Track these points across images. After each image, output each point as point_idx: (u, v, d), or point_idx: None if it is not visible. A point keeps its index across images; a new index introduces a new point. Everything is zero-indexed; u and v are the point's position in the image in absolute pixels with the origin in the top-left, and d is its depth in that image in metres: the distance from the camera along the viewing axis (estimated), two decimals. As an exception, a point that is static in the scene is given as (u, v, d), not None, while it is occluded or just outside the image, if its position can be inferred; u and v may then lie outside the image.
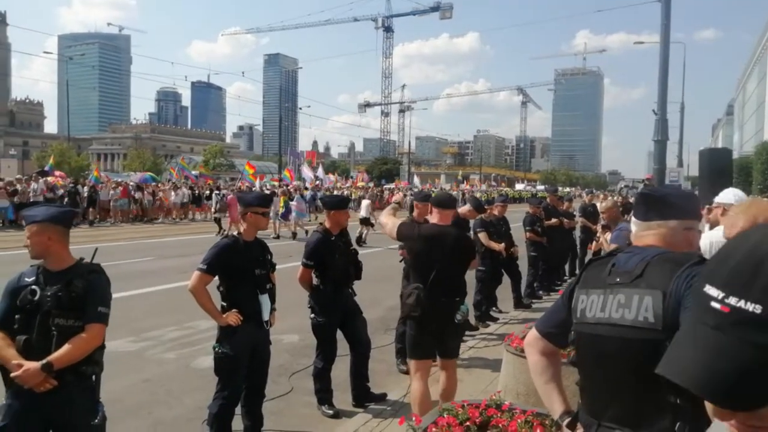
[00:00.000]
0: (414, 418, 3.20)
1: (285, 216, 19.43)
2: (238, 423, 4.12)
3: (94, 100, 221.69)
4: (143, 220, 23.72)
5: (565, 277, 11.93)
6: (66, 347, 2.66)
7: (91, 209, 22.10)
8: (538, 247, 9.88)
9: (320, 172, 40.30)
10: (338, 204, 5.10)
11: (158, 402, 5.17)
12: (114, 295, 2.96)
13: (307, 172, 37.28)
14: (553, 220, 10.38)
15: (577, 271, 12.79)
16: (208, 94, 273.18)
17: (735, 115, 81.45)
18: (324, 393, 4.95)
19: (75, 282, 2.74)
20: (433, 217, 4.24)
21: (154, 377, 5.79)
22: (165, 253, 14.90)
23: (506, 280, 8.88)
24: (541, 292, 10.13)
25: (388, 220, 4.42)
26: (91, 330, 2.73)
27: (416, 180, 56.84)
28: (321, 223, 5.10)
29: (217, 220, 20.71)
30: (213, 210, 22.30)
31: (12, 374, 2.61)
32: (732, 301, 0.70)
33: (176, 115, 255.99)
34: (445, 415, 3.21)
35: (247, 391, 4.15)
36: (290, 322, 7.03)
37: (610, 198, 7.73)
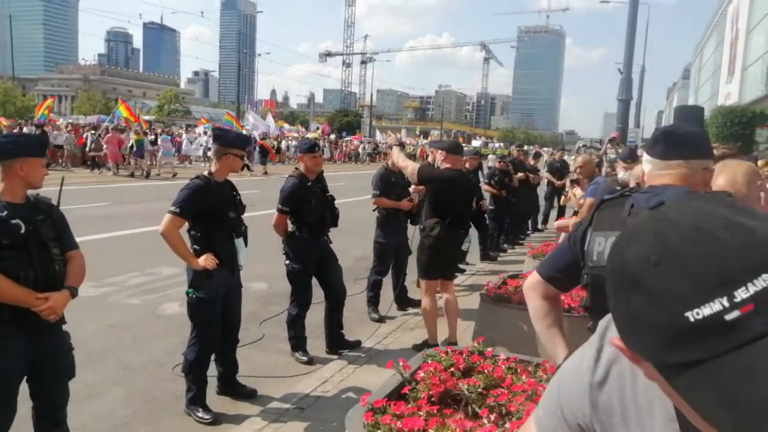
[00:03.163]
0: (401, 363, 3.16)
1: (139, 154, 20.95)
2: (210, 369, 4.02)
3: (39, 39, 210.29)
4: (91, 166, 22.49)
5: (528, 232, 12.11)
6: (73, 273, 2.77)
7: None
8: (498, 200, 9.86)
9: (269, 120, 39.11)
10: (311, 148, 4.92)
11: (125, 347, 5.02)
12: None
13: (252, 119, 35.48)
14: (519, 175, 10.40)
15: (540, 226, 13.06)
16: (161, 36, 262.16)
17: (691, 79, 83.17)
18: (298, 339, 4.88)
19: (53, 211, 2.72)
20: (447, 162, 4.75)
21: (119, 323, 5.61)
22: (121, 199, 14.43)
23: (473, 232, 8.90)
24: (505, 246, 10.24)
25: (407, 164, 4.92)
26: (78, 255, 2.83)
27: (378, 134, 56.36)
28: (296, 168, 4.93)
29: (92, 159, 21.67)
30: (87, 149, 21.95)
31: (40, 308, 2.55)
32: None
33: (127, 57, 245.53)
34: (429, 361, 3.19)
35: (220, 337, 4.04)
36: (257, 270, 6.90)
37: (585, 153, 7.82)
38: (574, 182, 7.41)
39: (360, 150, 42.63)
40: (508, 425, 2.52)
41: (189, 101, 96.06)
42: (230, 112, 37.01)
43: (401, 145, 5.52)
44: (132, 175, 20.83)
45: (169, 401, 4.05)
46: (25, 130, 20.27)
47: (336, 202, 5.03)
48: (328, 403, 4.00)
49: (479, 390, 2.84)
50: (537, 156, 12.77)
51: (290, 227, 4.78)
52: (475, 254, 9.14)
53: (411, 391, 2.85)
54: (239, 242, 3.87)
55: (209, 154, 21.07)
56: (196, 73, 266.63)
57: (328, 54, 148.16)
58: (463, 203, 5.01)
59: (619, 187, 4.98)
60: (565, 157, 15.01)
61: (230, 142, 3.81)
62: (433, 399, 2.79)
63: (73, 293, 2.72)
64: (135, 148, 20.98)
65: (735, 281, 0.52)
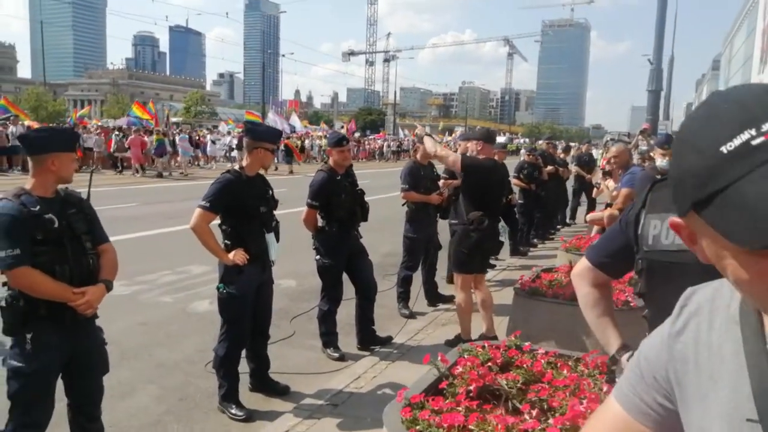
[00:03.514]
0: (439, 357, 3.08)
1: (159, 153, 21.27)
2: (242, 366, 3.99)
3: (69, 44, 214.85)
4: (116, 167, 22.87)
5: (558, 226, 11.90)
6: (107, 266, 2.76)
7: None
8: (527, 194, 9.68)
9: (294, 119, 39.32)
10: (339, 141, 4.86)
11: (158, 344, 5.03)
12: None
13: (272, 117, 35.78)
14: (549, 168, 10.22)
15: (569, 221, 12.83)
16: (187, 40, 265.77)
17: (721, 71, 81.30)
18: (329, 336, 4.83)
19: (84, 205, 2.72)
20: (482, 152, 4.70)
21: (151, 320, 5.63)
22: (149, 199, 14.59)
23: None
24: (535, 240, 10.07)
25: (446, 152, 4.81)
26: (110, 249, 2.81)
27: (401, 132, 56.26)
28: (325, 162, 4.88)
29: (118, 160, 22.07)
30: (112, 151, 22.38)
31: (77, 303, 2.55)
32: None
33: (154, 61, 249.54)
34: (466, 356, 3.10)
35: (251, 333, 4.01)
36: (286, 267, 6.87)
37: (620, 143, 7.61)
38: (606, 174, 7.24)
39: (384, 148, 42.53)
40: (551, 421, 2.42)
41: (215, 103, 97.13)
42: (251, 111, 37.33)
43: (430, 135, 5.32)
44: (160, 175, 21.21)
45: (203, 398, 4.03)
46: (11, 128, 20.32)
47: (371, 198, 4.98)
48: (362, 399, 3.94)
49: (518, 385, 2.75)
50: (567, 149, 12.56)
51: (320, 222, 4.73)
52: (506, 249, 8.98)
53: (449, 386, 2.77)
54: (270, 237, 3.83)
55: (233, 154, 21.29)
56: (221, 75, 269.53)
57: (352, 53, 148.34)
58: (501, 194, 5.16)
59: (659, 175, 4.83)
60: (593, 151, 14.74)
61: (261, 136, 3.76)
62: (471, 394, 2.70)
63: (109, 286, 2.70)
64: (156, 147, 21.53)
65: (761, 118, 0.63)
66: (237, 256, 3.65)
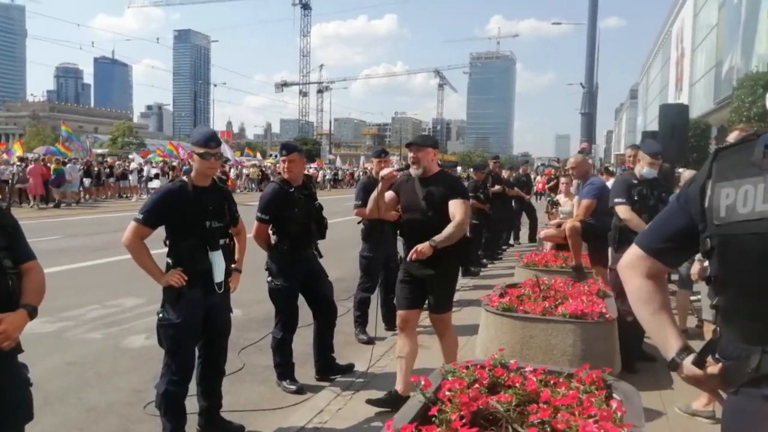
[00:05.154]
0: (423, 382, 2.72)
1: (56, 183, 20.57)
2: (190, 405, 3.49)
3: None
4: (47, 202, 21.58)
5: (504, 247, 11.84)
6: (31, 288, 2.30)
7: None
8: (480, 215, 9.60)
9: (226, 149, 38.59)
10: (292, 148, 4.48)
11: (88, 386, 4.42)
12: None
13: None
14: (497, 187, 10.17)
15: (512, 242, 12.83)
16: (113, 71, 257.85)
17: (639, 98, 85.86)
18: (285, 367, 4.38)
19: (3, 216, 2.30)
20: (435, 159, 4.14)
21: (79, 360, 5.00)
22: (73, 232, 13.60)
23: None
24: (485, 261, 9.92)
25: (457, 223, 3.74)
26: (35, 267, 2.40)
27: (338, 161, 56.44)
28: (278, 173, 4.48)
29: (19, 192, 20.80)
30: (14, 182, 21.24)
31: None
32: None
33: (78, 93, 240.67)
34: (450, 378, 2.77)
35: (202, 367, 3.53)
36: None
37: (577, 154, 7.64)
38: (554, 204, 7.21)
39: (320, 176, 42.11)
40: (561, 445, 2.10)
41: (143, 135, 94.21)
42: (172, 142, 36.76)
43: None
44: (57, 205, 20.48)
45: (142, 445, 3.50)
46: None
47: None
48: (329, 434, 3.52)
49: (511, 407, 2.43)
50: (511, 168, 12.65)
51: (272, 239, 4.31)
52: (457, 270, 8.80)
53: (439, 412, 2.42)
54: (215, 255, 3.37)
55: (151, 184, 20.53)
56: (149, 107, 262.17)
57: (285, 84, 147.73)
58: None
59: (636, 180, 4.69)
60: (528, 172, 14.93)
61: (194, 141, 3.37)
62: (464, 420, 2.35)
63: (32, 313, 2.21)
64: (53, 177, 20.68)
65: None
66: (172, 277, 3.21)
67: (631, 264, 1.61)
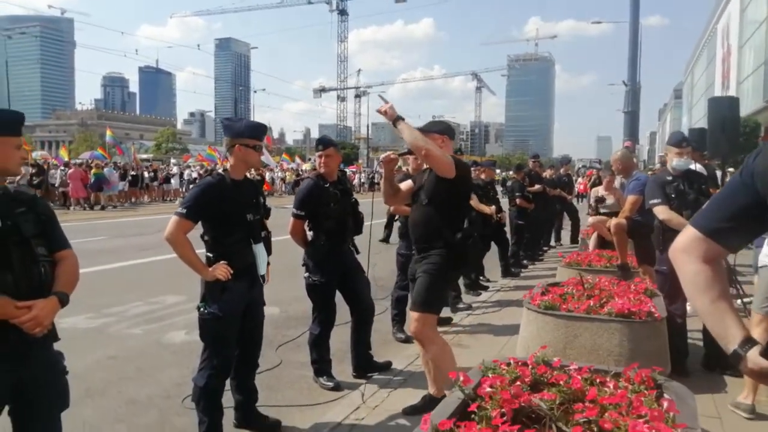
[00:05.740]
0: (461, 377, 2.63)
1: (96, 187, 21.38)
2: (226, 400, 3.47)
3: (36, 86, 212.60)
4: (91, 205, 22.27)
5: (545, 248, 11.60)
6: (64, 276, 2.32)
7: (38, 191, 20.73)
8: (525, 214, 9.46)
9: (266, 155, 38.95)
10: (316, 145, 4.44)
11: (128, 379, 4.47)
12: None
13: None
14: (537, 187, 9.96)
15: (554, 243, 12.55)
16: (157, 80, 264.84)
17: (683, 98, 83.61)
18: (322, 363, 4.34)
19: (37, 203, 2.34)
20: (446, 149, 3.66)
21: (121, 354, 5.06)
22: (119, 233, 13.93)
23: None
24: (525, 262, 9.73)
25: (438, 152, 3.45)
26: (69, 256, 2.41)
27: (376, 165, 56.61)
28: (314, 168, 4.46)
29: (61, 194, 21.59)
30: (56, 185, 22.05)
31: (21, 319, 2.07)
32: None
33: (124, 101, 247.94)
34: (490, 375, 2.67)
35: (237, 361, 3.50)
36: (268, 293, 6.30)
37: (622, 149, 7.42)
38: (598, 201, 7.01)
39: (356, 179, 42.08)
40: (609, 445, 1.98)
41: (186, 141, 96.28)
42: (212, 146, 37.15)
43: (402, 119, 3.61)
44: (102, 207, 21.25)
45: (180, 438, 3.50)
46: (22, 170, 19.83)
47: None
48: (366, 431, 3.45)
49: (556, 405, 2.32)
50: (553, 167, 12.39)
51: (309, 235, 4.28)
52: (497, 270, 8.65)
53: (479, 409, 2.32)
54: (259, 249, 3.37)
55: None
56: (192, 114, 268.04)
57: (323, 89, 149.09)
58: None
59: (670, 177, 4.51)
60: (569, 172, 14.58)
61: (239, 132, 3.30)
62: (506, 418, 2.25)
63: (63, 300, 2.20)
64: (93, 181, 21.41)
65: None
66: (219, 271, 3.18)
67: (687, 247, 1.49)
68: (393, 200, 3.97)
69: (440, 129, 3.70)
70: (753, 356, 1.35)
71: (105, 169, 22.58)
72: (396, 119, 3.54)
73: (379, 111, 3.61)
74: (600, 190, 7.02)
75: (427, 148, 3.39)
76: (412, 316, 3.62)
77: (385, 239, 11.53)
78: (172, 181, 27.22)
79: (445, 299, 3.75)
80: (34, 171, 20.44)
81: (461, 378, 2.58)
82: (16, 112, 2.27)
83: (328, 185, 4.27)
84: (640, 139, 39.37)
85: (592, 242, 7.34)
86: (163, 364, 4.83)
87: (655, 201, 4.42)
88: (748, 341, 1.38)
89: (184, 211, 3.18)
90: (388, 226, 11.86)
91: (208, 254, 3.29)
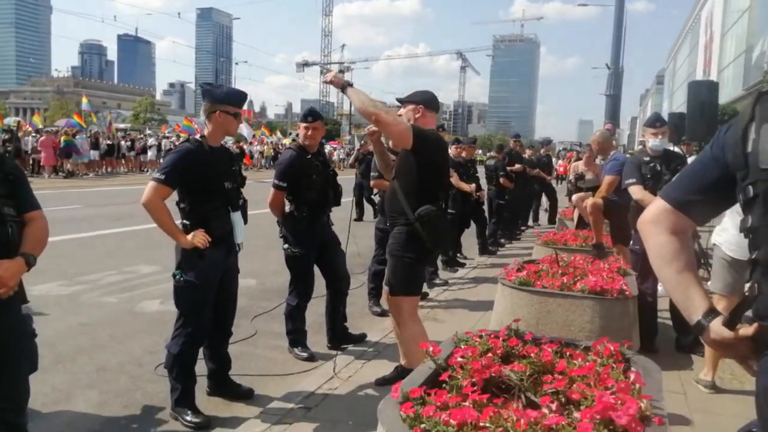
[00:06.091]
0: (431, 348, 2.65)
1: (65, 154, 21.12)
2: (200, 367, 3.46)
3: (11, 51, 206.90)
4: (62, 173, 21.84)
5: (523, 227, 11.69)
6: (32, 237, 2.30)
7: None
8: (504, 194, 9.51)
9: (244, 127, 38.33)
10: (305, 116, 4.36)
11: (100, 347, 4.43)
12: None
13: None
14: (517, 166, 9.99)
15: (531, 223, 12.66)
16: (136, 48, 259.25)
17: (665, 85, 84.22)
18: (297, 334, 4.35)
19: (4, 162, 2.31)
20: (422, 122, 3.41)
21: (93, 321, 5.01)
22: (95, 202, 13.72)
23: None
24: (503, 240, 9.81)
25: (393, 119, 3.27)
26: (38, 217, 2.37)
27: (356, 140, 56.22)
28: (294, 140, 4.41)
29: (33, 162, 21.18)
30: (28, 152, 21.62)
31: None
32: None
33: (101, 70, 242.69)
34: (462, 346, 2.70)
35: (211, 329, 3.48)
36: (246, 266, 6.29)
37: (602, 129, 7.46)
38: (577, 187, 7.05)
39: (335, 155, 41.67)
40: (576, 414, 2.02)
41: (165, 112, 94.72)
42: (188, 117, 36.57)
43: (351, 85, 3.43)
44: (70, 175, 21.02)
45: (152, 405, 3.49)
46: None
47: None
48: (338, 401, 3.48)
49: (525, 376, 2.35)
50: (533, 147, 12.44)
51: (288, 207, 4.25)
52: (474, 248, 8.70)
53: (450, 378, 2.34)
54: (236, 217, 3.33)
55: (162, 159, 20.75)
56: (171, 85, 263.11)
57: (306, 64, 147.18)
58: (448, 181, 4.01)
59: (647, 158, 4.55)
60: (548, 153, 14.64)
61: (220, 98, 3.23)
62: (476, 387, 2.28)
63: (30, 261, 2.16)
64: (62, 147, 21.06)
65: None
66: (197, 238, 3.14)
67: (656, 218, 1.50)
68: (388, 174, 3.81)
69: (417, 99, 3.47)
70: (716, 326, 1.38)
71: (76, 137, 22.15)
72: (344, 86, 3.39)
73: (325, 81, 3.52)
74: (580, 166, 7.04)
75: (376, 113, 3.21)
76: (388, 298, 3.54)
77: (359, 218, 11.37)
78: (148, 152, 26.74)
79: (417, 279, 3.49)
80: (6, 137, 19.99)
81: (430, 348, 2.61)
82: None
83: (309, 156, 4.24)
84: (621, 124, 39.68)
85: (574, 222, 7.39)
86: (136, 332, 4.80)
87: (631, 181, 4.47)
88: (711, 312, 1.40)
89: (162, 176, 3.13)
90: (359, 205, 11.78)
91: (185, 221, 3.25)
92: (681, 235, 1.48)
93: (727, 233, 3.75)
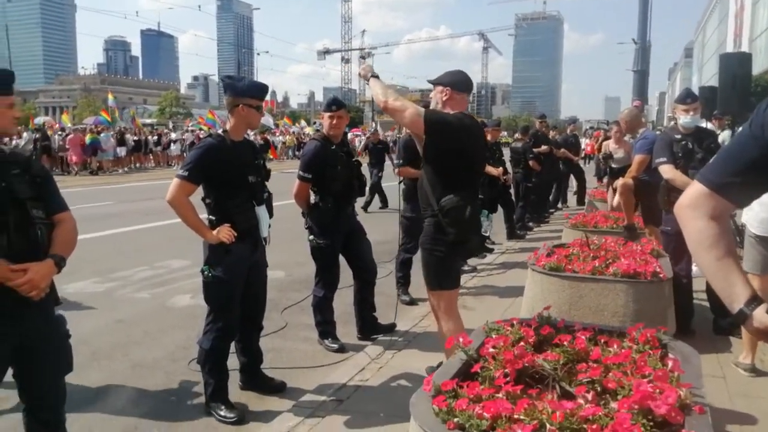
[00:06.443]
0: (461, 339, 2.62)
1: (91, 151, 21.34)
2: (231, 362, 3.49)
3: (38, 51, 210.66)
4: (94, 171, 22.19)
5: (551, 210, 11.54)
6: (61, 239, 2.30)
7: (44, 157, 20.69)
8: (532, 177, 9.38)
9: (267, 118, 38.45)
10: (329, 105, 4.32)
11: (134, 343, 4.50)
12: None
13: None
14: (544, 148, 9.83)
15: (560, 205, 12.46)
16: (159, 43, 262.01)
17: (694, 57, 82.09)
18: (326, 325, 4.36)
19: (33, 165, 2.31)
20: (451, 105, 3.21)
21: (127, 318, 5.10)
22: (125, 198, 13.95)
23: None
24: (531, 224, 9.69)
25: (405, 104, 3.14)
26: (67, 218, 2.37)
27: (378, 128, 56.11)
28: (318, 130, 4.39)
29: (62, 160, 21.34)
30: (56, 150, 21.69)
31: (16, 282, 2.05)
32: None
33: (126, 66, 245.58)
34: (494, 336, 2.66)
35: (241, 323, 3.50)
36: (273, 257, 6.32)
37: (631, 107, 7.28)
38: (606, 159, 6.86)
39: (357, 142, 41.54)
40: (614, 405, 1.97)
41: (190, 105, 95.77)
42: (212, 110, 36.69)
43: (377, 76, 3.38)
44: (94, 173, 21.14)
45: (187, 399, 3.54)
46: (24, 135, 19.77)
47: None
48: (370, 392, 3.48)
49: (560, 365, 2.31)
50: (555, 127, 12.22)
51: (313, 198, 4.24)
52: (502, 232, 8.62)
53: (482, 369, 2.31)
54: (261, 211, 3.34)
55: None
56: (195, 78, 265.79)
57: (327, 51, 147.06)
58: (482, 167, 3.69)
59: (678, 135, 4.42)
60: (575, 132, 14.36)
61: (242, 91, 3.22)
62: (509, 378, 2.24)
63: (59, 263, 2.17)
64: (87, 145, 21.32)
65: None
66: (222, 233, 3.15)
67: (694, 203, 1.43)
68: None
69: (446, 80, 3.28)
70: (759, 315, 1.32)
71: (101, 135, 22.47)
72: (367, 77, 3.35)
73: (359, 75, 3.43)
74: (610, 145, 6.84)
75: (385, 100, 3.14)
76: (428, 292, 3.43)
77: (365, 207, 11.06)
78: (172, 146, 27.00)
79: (450, 272, 3.32)
80: (38, 136, 20.40)
81: (460, 339, 2.56)
82: (4, 70, 2.21)
83: (334, 147, 4.21)
84: (649, 100, 38.80)
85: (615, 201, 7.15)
86: (169, 327, 4.87)
87: (662, 160, 4.34)
88: (754, 299, 1.34)
89: (186, 173, 3.14)
90: (380, 193, 11.77)
91: (210, 217, 3.26)
92: (720, 219, 1.41)
93: (752, 211, 3.63)
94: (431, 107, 3.32)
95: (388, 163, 12.25)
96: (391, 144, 15.24)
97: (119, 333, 4.71)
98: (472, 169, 3.26)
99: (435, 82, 3.37)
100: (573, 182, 13.21)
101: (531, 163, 9.27)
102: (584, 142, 21.00)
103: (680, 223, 1.48)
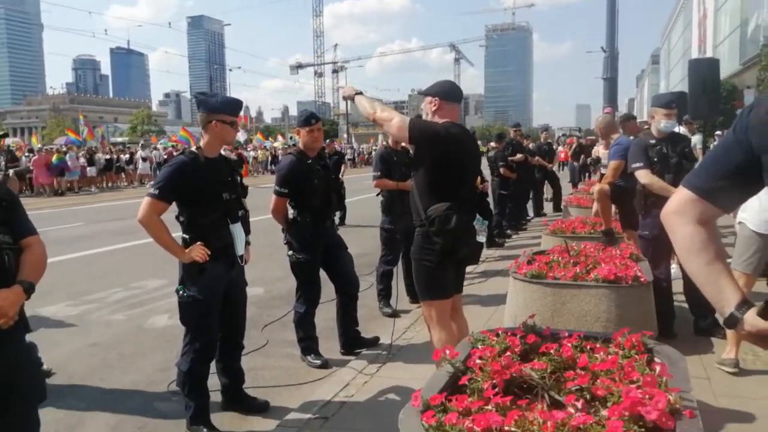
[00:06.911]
0: (447, 351, 2.58)
1: (57, 172, 20.94)
2: (212, 383, 3.40)
3: (5, 71, 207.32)
4: (61, 192, 21.73)
5: (528, 217, 11.60)
6: (29, 264, 2.22)
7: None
8: (508, 184, 9.43)
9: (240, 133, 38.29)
10: (307, 120, 4.26)
11: (110, 367, 4.37)
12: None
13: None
14: (519, 156, 9.90)
15: (533, 213, 12.53)
16: (129, 61, 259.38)
17: (661, 64, 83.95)
18: (308, 341, 4.28)
19: None
20: (441, 114, 3.22)
21: (102, 341, 4.95)
22: (96, 218, 13.68)
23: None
24: (509, 231, 9.73)
25: (391, 114, 3.18)
26: (35, 243, 2.29)
27: (353, 141, 56.16)
28: (293, 145, 4.34)
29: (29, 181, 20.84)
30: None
31: None
32: None
33: (96, 84, 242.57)
34: (480, 347, 2.63)
35: (221, 344, 3.42)
36: (252, 274, 6.24)
37: (604, 114, 7.38)
38: (574, 157, 6.91)
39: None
40: (604, 412, 1.95)
41: (162, 122, 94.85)
42: (185, 128, 36.56)
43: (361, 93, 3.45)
44: (60, 194, 20.73)
45: (166, 424, 3.43)
46: None
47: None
48: (355, 409, 3.41)
49: (547, 374, 2.28)
50: (529, 137, 12.33)
51: (291, 213, 4.18)
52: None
53: (470, 381, 2.27)
54: (236, 228, 3.26)
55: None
56: (167, 95, 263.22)
57: (299, 65, 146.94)
58: (475, 171, 3.62)
59: (653, 141, 4.46)
60: (549, 140, 14.50)
61: (215, 107, 3.16)
62: (497, 389, 2.21)
63: (28, 289, 2.09)
64: (53, 165, 20.96)
65: None
66: (195, 252, 3.07)
67: (680, 209, 1.42)
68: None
69: (434, 90, 3.29)
70: (751, 318, 1.31)
71: (67, 155, 22.10)
72: (352, 96, 3.41)
73: (344, 97, 3.50)
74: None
75: (373, 113, 3.21)
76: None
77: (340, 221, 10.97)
78: (139, 165, 26.55)
79: (441, 282, 3.27)
80: (8, 158, 19.94)
81: (447, 351, 2.53)
82: None
83: (310, 161, 4.17)
84: (619, 106, 39.51)
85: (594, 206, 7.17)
86: (146, 349, 4.74)
87: (638, 165, 4.37)
88: (745, 303, 1.33)
89: (156, 191, 3.06)
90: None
91: (184, 236, 3.19)
92: (707, 224, 1.40)
93: (750, 210, 3.68)
94: (422, 117, 3.34)
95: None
96: (353, 154, 15.11)
97: (95, 357, 4.57)
98: (461, 178, 3.22)
99: (424, 93, 3.38)
100: (547, 190, 13.32)
101: (502, 170, 9.34)
102: (558, 150, 21.28)
103: (668, 229, 1.47)
